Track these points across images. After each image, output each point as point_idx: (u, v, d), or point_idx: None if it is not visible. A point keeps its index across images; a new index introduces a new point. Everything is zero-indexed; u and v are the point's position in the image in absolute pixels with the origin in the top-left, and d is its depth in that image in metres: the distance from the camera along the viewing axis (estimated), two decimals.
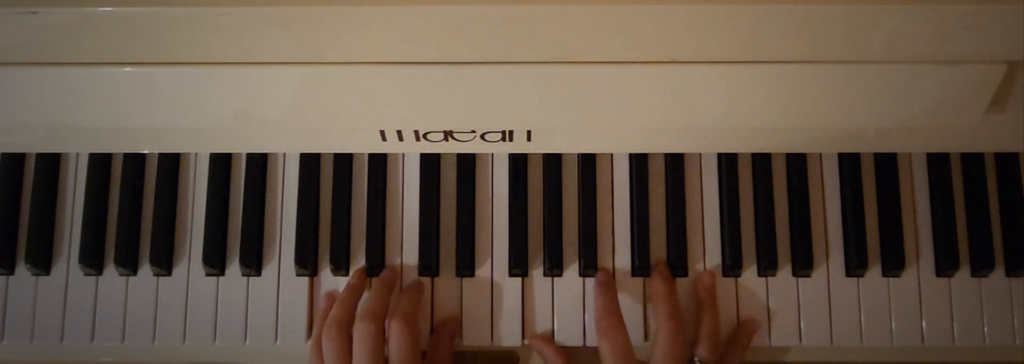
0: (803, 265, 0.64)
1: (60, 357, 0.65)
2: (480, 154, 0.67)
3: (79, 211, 0.66)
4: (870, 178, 0.66)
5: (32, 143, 0.64)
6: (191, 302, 0.65)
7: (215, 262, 0.65)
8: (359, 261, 0.65)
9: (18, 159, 0.67)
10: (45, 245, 0.65)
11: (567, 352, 0.63)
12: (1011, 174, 0.66)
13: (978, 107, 0.55)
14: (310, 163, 0.66)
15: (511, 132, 0.60)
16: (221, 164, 0.66)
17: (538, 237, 0.66)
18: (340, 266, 0.65)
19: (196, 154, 0.67)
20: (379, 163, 0.66)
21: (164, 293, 0.65)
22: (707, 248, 0.65)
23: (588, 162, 0.66)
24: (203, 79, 0.53)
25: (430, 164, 0.66)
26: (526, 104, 0.54)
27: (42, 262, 0.65)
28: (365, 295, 0.64)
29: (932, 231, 0.65)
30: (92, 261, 0.65)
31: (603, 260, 0.65)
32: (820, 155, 0.67)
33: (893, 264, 0.64)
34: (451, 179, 0.66)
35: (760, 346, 0.64)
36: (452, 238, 0.65)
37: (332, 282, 0.65)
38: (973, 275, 0.65)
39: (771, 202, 0.65)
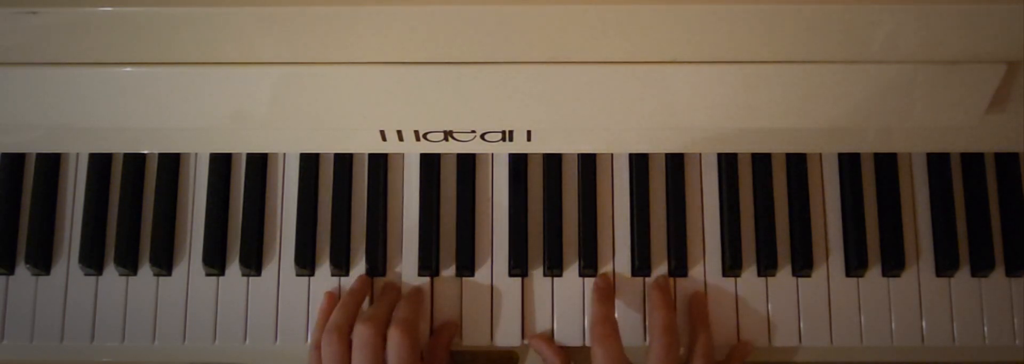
0: (803, 265, 0.64)
1: (60, 357, 0.65)
2: (480, 154, 0.67)
3: (79, 211, 0.66)
4: (870, 178, 0.66)
5: (32, 143, 0.64)
6: (191, 302, 0.65)
7: (215, 262, 0.65)
8: (359, 261, 0.65)
9: (18, 159, 0.67)
10: (45, 245, 0.65)
11: (566, 352, 0.63)
12: (1011, 174, 0.66)
13: (978, 107, 0.55)
14: (310, 163, 0.66)
15: (511, 132, 0.60)
16: (221, 164, 0.66)
17: (538, 237, 0.66)
18: (340, 266, 0.65)
19: (196, 154, 0.67)
20: (379, 163, 0.66)
21: (164, 293, 0.65)
22: (707, 248, 0.65)
23: (588, 162, 0.66)
24: (203, 79, 0.53)
25: (430, 164, 0.66)
26: (526, 104, 0.54)
27: (42, 262, 0.65)
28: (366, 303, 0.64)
29: (932, 231, 0.65)
30: (92, 261, 0.65)
31: (603, 260, 0.65)
32: (820, 155, 0.67)
33: (893, 264, 0.64)
34: (451, 179, 0.66)
35: (760, 346, 0.64)
36: (452, 238, 0.65)
37: (332, 282, 0.65)
38: (973, 275, 0.65)
39: (771, 202, 0.65)
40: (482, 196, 0.66)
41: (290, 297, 0.65)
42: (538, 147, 0.63)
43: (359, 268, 0.65)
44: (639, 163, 0.66)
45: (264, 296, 0.65)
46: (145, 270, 0.65)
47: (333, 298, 0.64)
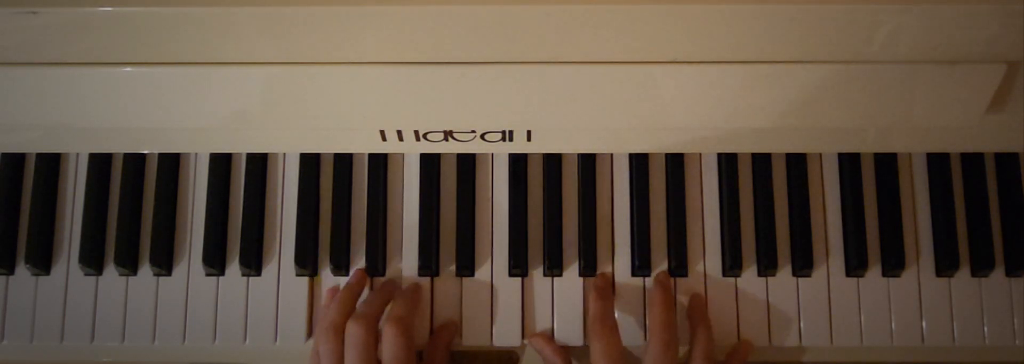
0: (803, 265, 0.64)
1: (60, 357, 0.65)
2: (480, 154, 0.67)
3: (79, 211, 0.66)
4: (870, 178, 0.66)
5: (32, 143, 0.64)
6: (191, 302, 0.65)
7: (215, 262, 0.65)
8: (359, 261, 0.65)
9: (18, 159, 0.67)
10: (45, 245, 0.65)
11: (566, 351, 0.63)
12: (1011, 174, 0.66)
13: (978, 107, 0.55)
14: (310, 163, 0.66)
15: (511, 132, 0.60)
16: (221, 164, 0.66)
17: (538, 237, 0.66)
18: (340, 266, 0.65)
19: (196, 154, 0.67)
20: (379, 163, 0.66)
21: (164, 293, 0.65)
22: (707, 248, 0.65)
23: (588, 162, 0.66)
24: (203, 79, 0.53)
25: (430, 164, 0.66)
26: (526, 104, 0.54)
27: (42, 262, 0.65)
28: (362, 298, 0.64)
29: (932, 231, 0.65)
30: (92, 261, 0.65)
31: (603, 260, 0.65)
32: (820, 155, 0.67)
33: (893, 264, 0.64)
34: (451, 179, 0.66)
35: (760, 346, 0.64)
36: (452, 238, 0.65)
37: (332, 282, 0.65)
38: (973, 275, 0.65)
39: (771, 202, 0.65)
40: (482, 196, 0.66)
41: (290, 297, 0.65)
42: (538, 147, 0.63)
43: (359, 268, 0.65)
44: (639, 163, 0.66)
45: (264, 296, 0.65)
46: (145, 270, 0.65)
47: (335, 294, 0.64)
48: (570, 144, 0.63)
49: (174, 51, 0.51)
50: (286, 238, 0.66)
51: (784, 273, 0.65)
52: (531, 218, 0.66)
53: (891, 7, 0.48)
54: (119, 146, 0.65)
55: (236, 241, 0.65)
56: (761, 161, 0.66)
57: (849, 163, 0.66)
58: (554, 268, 0.64)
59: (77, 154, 0.67)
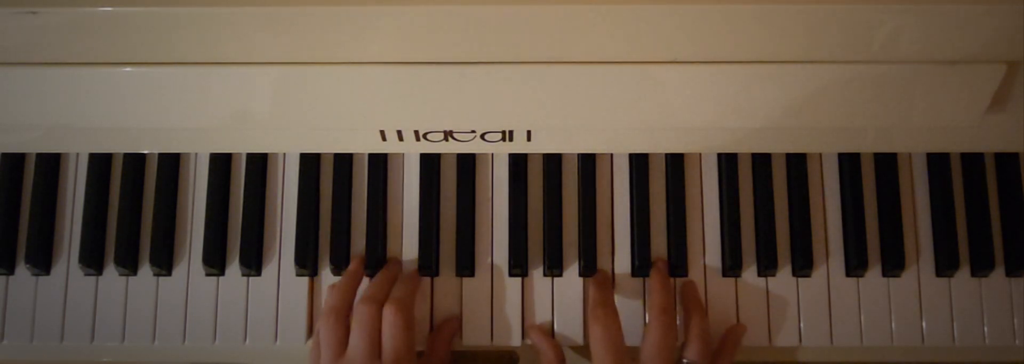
0: (803, 265, 0.64)
1: (60, 357, 0.65)
2: (480, 154, 0.67)
3: (79, 211, 0.66)
4: (870, 178, 0.66)
5: (32, 143, 0.64)
6: (191, 302, 0.65)
7: (215, 262, 0.65)
8: None
9: (18, 159, 0.67)
10: (45, 245, 0.65)
11: (559, 347, 0.63)
12: (1011, 174, 0.66)
13: (978, 107, 0.55)
14: (310, 163, 0.66)
15: (511, 132, 0.60)
16: (221, 164, 0.66)
17: (538, 237, 0.66)
18: (340, 266, 0.65)
19: (196, 154, 0.67)
20: (379, 163, 0.66)
21: (164, 293, 0.65)
22: (707, 248, 0.65)
23: (588, 162, 0.66)
24: (203, 79, 0.53)
25: (430, 164, 0.66)
26: (526, 104, 0.54)
27: (42, 262, 0.65)
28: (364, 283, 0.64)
29: (932, 231, 0.65)
30: (92, 261, 0.65)
31: (603, 260, 0.65)
32: (820, 155, 0.67)
33: (893, 264, 0.64)
34: (451, 179, 0.66)
35: (760, 346, 0.64)
36: (452, 238, 0.65)
37: (332, 282, 0.65)
38: (973, 275, 0.65)
39: (771, 202, 0.65)
40: (482, 196, 0.66)
41: (290, 297, 0.65)
42: (538, 147, 0.63)
43: (358, 255, 0.65)
44: (639, 163, 0.66)
45: (264, 296, 0.65)
46: (145, 270, 0.65)
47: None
48: (570, 144, 0.63)
49: (174, 51, 0.51)
50: (286, 238, 0.66)
51: (784, 273, 0.65)
52: (531, 218, 0.66)
53: (891, 7, 0.48)
54: (119, 146, 0.65)
55: (236, 241, 0.65)
56: (761, 161, 0.66)
57: (849, 163, 0.66)
58: (554, 268, 0.64)
59: (77, 154, 0.67)
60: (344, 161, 0.66)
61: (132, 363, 0.65)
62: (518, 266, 0.65)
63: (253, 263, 0.65)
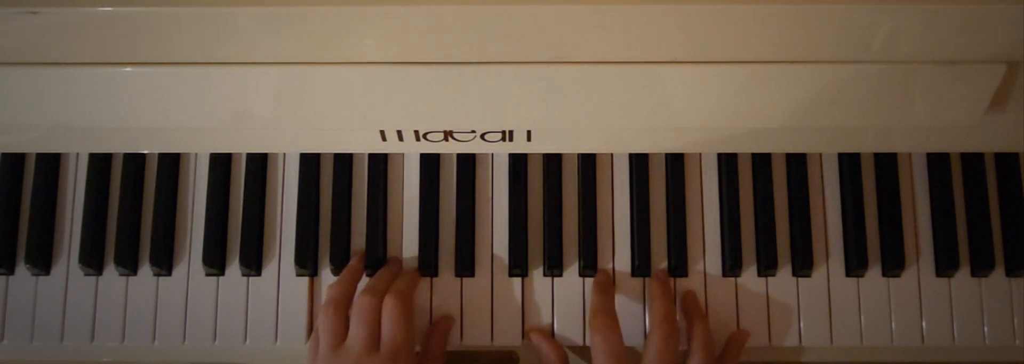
0: (803, 265, 0.64)
1: (60, 357, 0.65)
2: (480, 154, 0.67)
3: (79, 211, 0.66)
4: (870, 178, 0.66)
5: (32, 143, 0.64)
6: (191, 302, 0.65)
7: (215, 262, 0.65)
8: None
9: (18, 159, 0.67)
10: (45, 245, 0.65)
11: (563, 348, 0.63)
12: (1011, 174, 0.66)
13: (978, 107, 0.55)
14: (310, 163, 0.66)
15: (511, 132, 0.60)
16: (221, 164, 0.66)
17: (538, 237, 0.66)
18: (340, 266, 0.65)
19: (196, 154, 0.67)
20: (379, 163, 0.66)
21: (164, 293, 0.65)
22: (707, 248, 0.65)
23: (588, 162, 0.66)
24: (203, 79, 0.53)
25: (430, 164, 0.66)
26: (526, 104, 0.54)
27: (42, 262, 0.65)
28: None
29: (932, 231, 0.65)
30: (92, 261, 0.65)
31: (603, 260, 0.65)
32: (820, 155, 0.67)
33: (893, 264, 0.64)
34: (451, 179, 0.66)
35: (760, 346, 0.64)
36: (452, 238, 0.65)
37: (332, 282, 0.65)
38: (973, 275, 0.65)
39: (771, 202, 0.65)
40: (482, 196, 0.66)
41: (290, 297, 0.65)
42: (538, 147, 0.63)
43: (359, 251, 0.65)
44: (639, 163, 0.66)
45: (264, 296, 0.65)
46: (145, 270, 0.65)
47: None
48: (570, 144, 0.63)
49: (174, 51, 0.51)
50: (286, 238, 0.66)
51: (784, 273, 0.65)
52: (531, 218, 0.66)
53: (891, 7, 0.48)
54: (119, 146, 0.65)
55: (236, 241, 0.65)
56: (761, 161, 0.66)
57: (849, 163, 0.66)
58: (554, 268, 0.64)
59: (77, 154, 0.67)
60: (344, 161, 0.66)
61: (132, 363, 0.65)
62: (518, 266, 0.65)
63: (253, 263, 0.65)
